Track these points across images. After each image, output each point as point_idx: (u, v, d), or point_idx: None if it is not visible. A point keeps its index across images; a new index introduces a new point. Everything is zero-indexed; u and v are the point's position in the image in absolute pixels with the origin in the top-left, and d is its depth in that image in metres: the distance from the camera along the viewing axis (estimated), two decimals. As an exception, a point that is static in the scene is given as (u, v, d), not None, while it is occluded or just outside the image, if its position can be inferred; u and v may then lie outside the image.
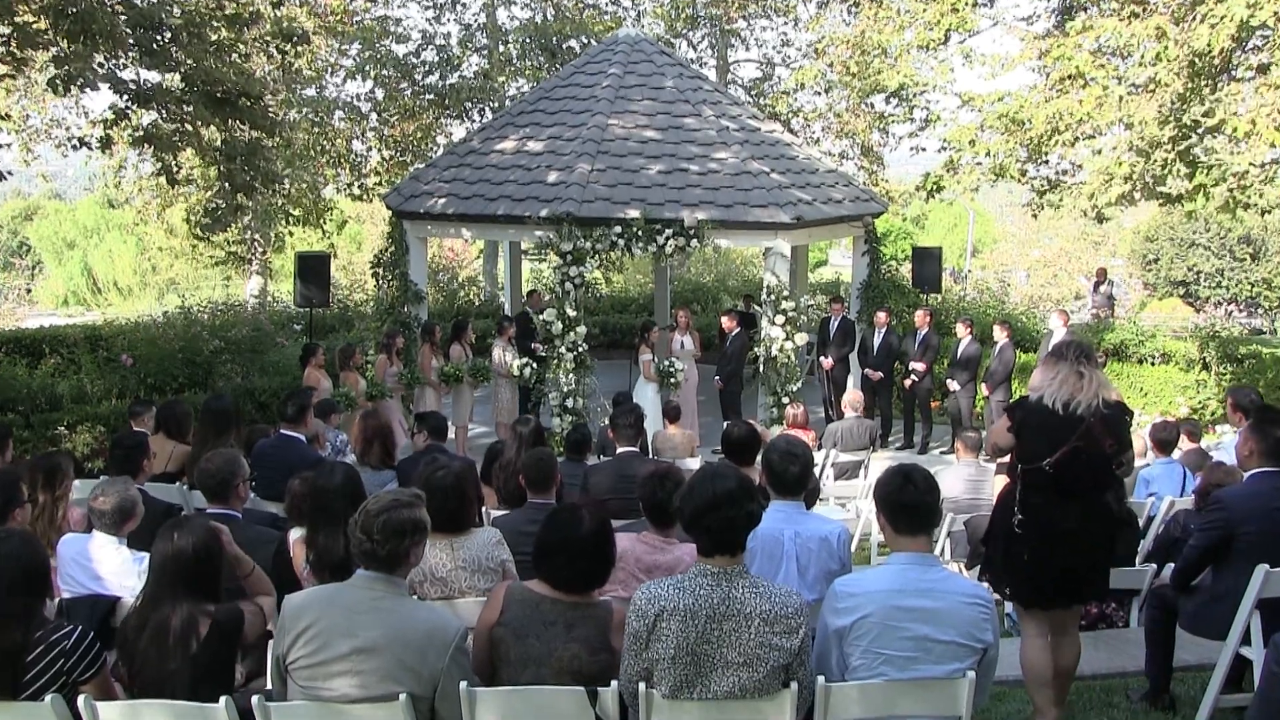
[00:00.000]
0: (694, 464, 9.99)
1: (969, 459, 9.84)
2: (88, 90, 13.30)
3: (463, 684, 4.07)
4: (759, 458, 5.97)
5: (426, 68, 26.36)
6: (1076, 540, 5.51)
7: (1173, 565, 6.44)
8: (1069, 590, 5.64)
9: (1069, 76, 14.19)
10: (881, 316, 15.45)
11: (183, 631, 4.27)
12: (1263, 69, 12.93)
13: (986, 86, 17.73)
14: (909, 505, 4.28)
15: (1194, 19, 12.40)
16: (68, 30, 12.24)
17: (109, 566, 5.48)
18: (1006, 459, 6.08)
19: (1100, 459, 5.53)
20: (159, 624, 4.28)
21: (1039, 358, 15.27)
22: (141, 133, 15.08)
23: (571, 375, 14.13)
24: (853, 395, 12.89)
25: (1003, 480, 6.33)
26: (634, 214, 13.90)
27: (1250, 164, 12.58)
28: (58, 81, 12.67)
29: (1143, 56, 13.38)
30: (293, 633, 4.06)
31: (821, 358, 16.06)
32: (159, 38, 13.90)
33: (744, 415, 13.73)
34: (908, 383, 15.43)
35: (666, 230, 13.89)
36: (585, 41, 25.94)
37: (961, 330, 15.49)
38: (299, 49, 17.72)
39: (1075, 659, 5.85)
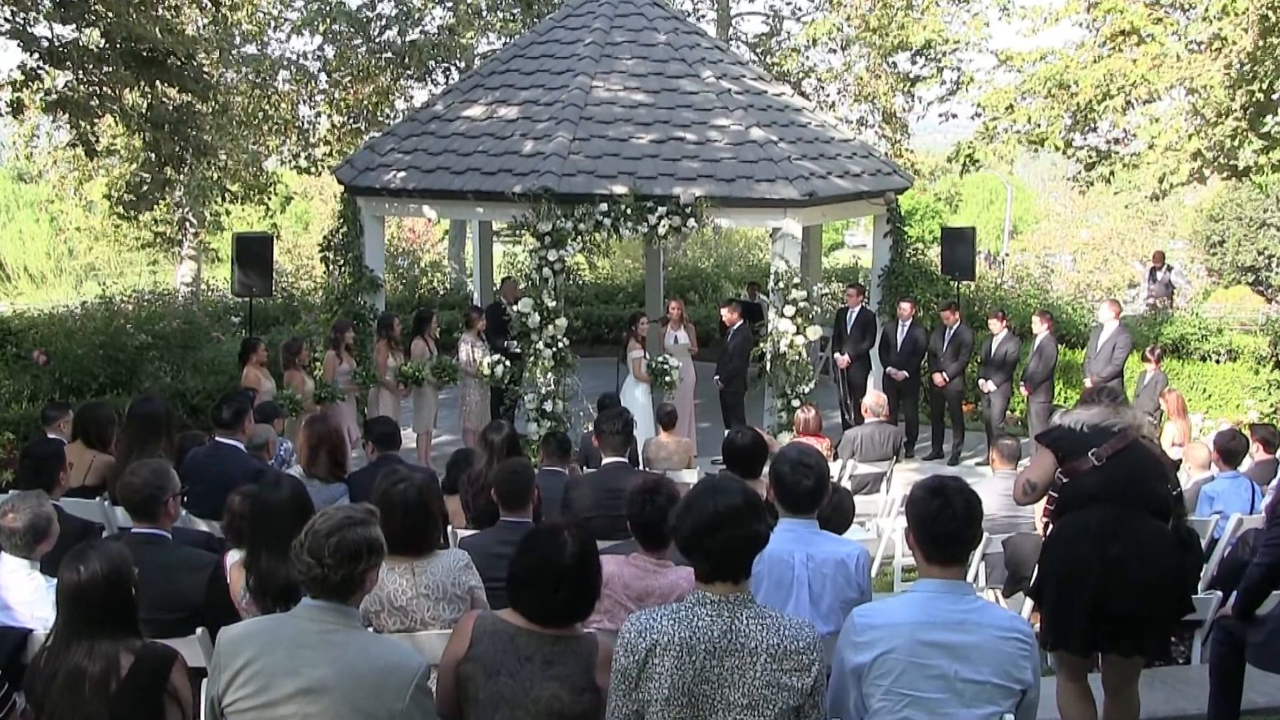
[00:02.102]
0: (691, 476, 10.00)
1: (1006, 470, 9.84)
2: None
3: (425, 728, 4.06)
4: (766, 469, 5.97)
5: (383, 22, 26.30)
6: (1119, 571, 5.49)
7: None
8: (1112, 635, 5.62)
9: (1122, 33, 14.24)
10: (906, 307, 15.46)
11: (101, 675, 4.23)
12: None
13: (1027, 44, 17.86)
14: (944, 536, 4.27)
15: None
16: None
17: (19, 594, 5.46)
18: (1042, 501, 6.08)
19: (1155, 465, 5.55)
20: (72, 671, 4.23)
21: (1087, 355, 15.38)
22: (55, 97, 15.02)
23: (550, 375, 14.11)
24: (873, 398, 12.89)
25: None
26: (622, 190, 13.88)
27: None
28: None
29: (1206, 10, 13.40)
30: (230, 670, 4.04)
31: (837, 354, 16.06)
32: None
33: (748, 420, 13.74)
34: (938, 379, 15.42)
35: (659, 208, 13.87)
36: (566, -9, 25.93)
37: (995, 325, 15.45)
38: (236, 0, 17.68)
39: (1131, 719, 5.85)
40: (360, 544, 4.07)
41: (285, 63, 26.45)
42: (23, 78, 14.59)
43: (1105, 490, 5.57)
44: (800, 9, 29.60)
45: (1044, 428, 6.31)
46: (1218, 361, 18.08)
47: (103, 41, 14.50)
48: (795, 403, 13.97)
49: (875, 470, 12.13)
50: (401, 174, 14.81)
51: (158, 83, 14.98)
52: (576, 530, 4.42)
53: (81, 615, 4.31)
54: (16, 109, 15.20)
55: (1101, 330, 15.28)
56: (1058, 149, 16.77)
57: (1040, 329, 15.18)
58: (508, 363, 14.36)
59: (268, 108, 26.20)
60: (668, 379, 14.26)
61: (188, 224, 27.56)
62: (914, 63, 24.29)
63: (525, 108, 15.34)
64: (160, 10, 15.26)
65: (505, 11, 26.50)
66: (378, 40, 26.22)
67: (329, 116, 27.26)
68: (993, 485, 9.71)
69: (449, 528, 7.06)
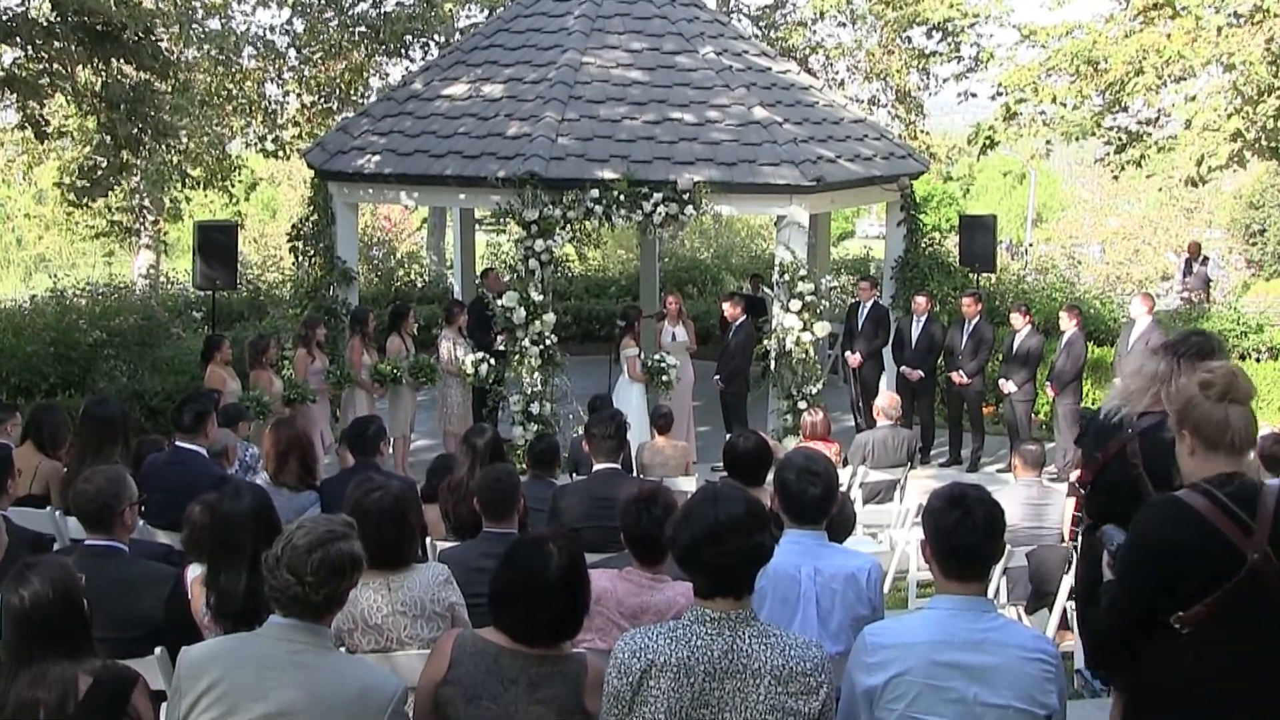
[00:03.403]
0: (689, 484, 10.01)
1: (1029, 477, 9.86)
2: None
3: (402, 757, 4.06)
4: (770, 476, 5.97)
5: (357, -7, 26.32)
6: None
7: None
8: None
9: (1155, 5, 14.23)
10: (921, 302, 15.45)
11: (57, 701, 4.19)
12: None
13: (1052, 17, 17.73)
14: (963, 549, 4.24)
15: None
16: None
17: (-37, 611, 5.45)
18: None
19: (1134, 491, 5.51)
20: (24, 703, 4.19)
21: (1118, 352, 15.36)
22: (2, 75, 14.99)
23: (537, 374, 14.10)
24: (886, 399, 12.89)
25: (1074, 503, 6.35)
26: (614, 174, 13.88)
27: None
28: None
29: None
30: (192, 694, 4.03)
31: (848, 352, 16.06)
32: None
33: (751, 423, 13.73)
34: (956, 378, 15.39)
35: (654, 194, 13.86)
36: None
37: (1017, 320, 15.41)
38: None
39: None
40: (345, 560, 4.08)
41: (251, 38, 26.37)
42: (-35, 54, 14.57)
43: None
44: (807, -20, 29.63)
45: (1073, 431, 6.30)
46: (1258, 360, 18.07)
47: (53, 15, 14.47)
48: (802, 404, 13.96)
49: (888, 477, 12.12)
50: (376, 157, 14.78)
51: (113, 59, 14.95)
52: (564, 541, 4.42)
53: (29, 641, 4.25)
54: (-41, 88, 15.21)
55: (1133, 326, 15.18)
56: (1090, 133, 16.77)
57: (1068, 325, 15.11)
58: (491, 361, 14.34)
59: (232, 86, 26.12)
60: (664, 379, 14.24)
61: (145, 212, 27.46)
62: (930, 38, 24.31)
63: (510, 86, 15.31)
64: (116, -20, 15.23)
65: (488, -19, 26.48)
66: (350, 13, 26.16)
67: (298, 96, 27.18)
68: (1015, 494, 9.71)
69: (428, 539, 7.06)
